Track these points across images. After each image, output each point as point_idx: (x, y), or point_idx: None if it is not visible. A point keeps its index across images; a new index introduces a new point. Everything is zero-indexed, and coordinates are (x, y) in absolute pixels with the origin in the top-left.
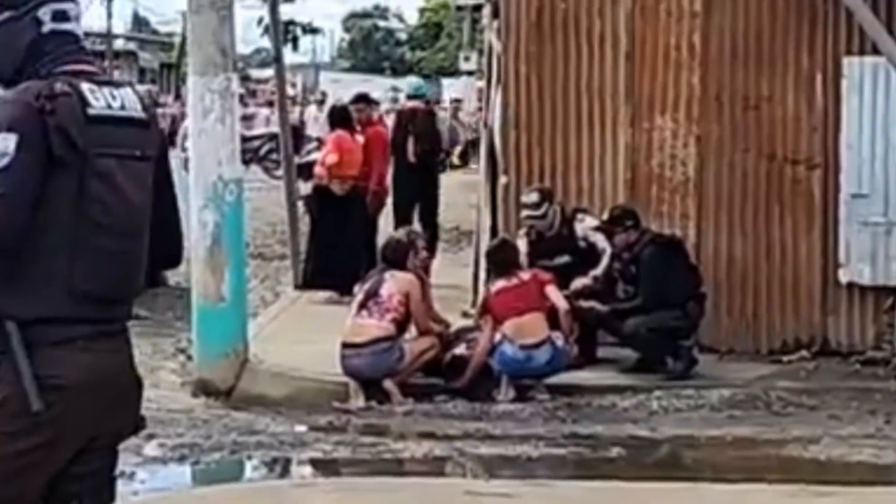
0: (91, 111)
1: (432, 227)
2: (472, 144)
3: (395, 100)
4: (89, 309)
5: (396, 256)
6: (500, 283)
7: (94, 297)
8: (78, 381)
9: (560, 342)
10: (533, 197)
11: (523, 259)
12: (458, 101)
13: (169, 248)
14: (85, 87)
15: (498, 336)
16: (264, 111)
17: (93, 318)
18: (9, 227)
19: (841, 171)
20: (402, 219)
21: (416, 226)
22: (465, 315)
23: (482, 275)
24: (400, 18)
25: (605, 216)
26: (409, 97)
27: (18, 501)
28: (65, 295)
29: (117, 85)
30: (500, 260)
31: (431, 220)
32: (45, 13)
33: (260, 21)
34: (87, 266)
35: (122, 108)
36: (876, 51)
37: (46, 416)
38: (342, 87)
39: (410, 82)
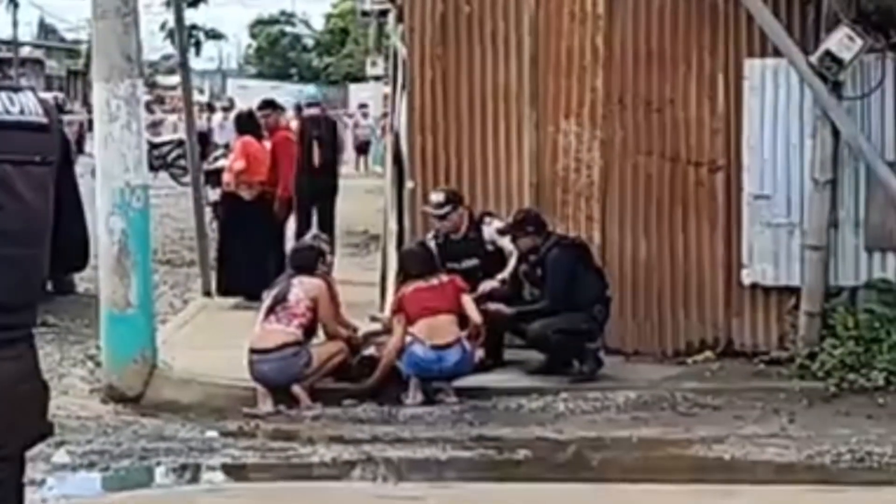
0: None
1: (330, 229)
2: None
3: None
4: None
5: (305, 262)
6: (416, 284)
7: None
8: None
9: (468, 344)
10: (439, 197)
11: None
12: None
13: (73, 254)
14: None
15: (408, 338)
16: (172, 118)
17: None
18: None
19: (743, 172)
20: (303, 220)
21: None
22: (374, 319)
23: (390, 278)
24: (307, 24)
25: (511, 219)
26: (309, 105)
27: None
28: None
29: (16, 90)
30: (417, 262)
31: (330, 223)
32: None
33: (163, 26)
34: None
35: (21, 112)
36: (777, 52)
37: None
38: (250, 94)
39: (308, 93)
